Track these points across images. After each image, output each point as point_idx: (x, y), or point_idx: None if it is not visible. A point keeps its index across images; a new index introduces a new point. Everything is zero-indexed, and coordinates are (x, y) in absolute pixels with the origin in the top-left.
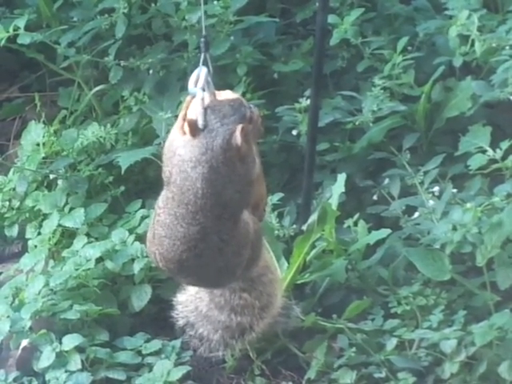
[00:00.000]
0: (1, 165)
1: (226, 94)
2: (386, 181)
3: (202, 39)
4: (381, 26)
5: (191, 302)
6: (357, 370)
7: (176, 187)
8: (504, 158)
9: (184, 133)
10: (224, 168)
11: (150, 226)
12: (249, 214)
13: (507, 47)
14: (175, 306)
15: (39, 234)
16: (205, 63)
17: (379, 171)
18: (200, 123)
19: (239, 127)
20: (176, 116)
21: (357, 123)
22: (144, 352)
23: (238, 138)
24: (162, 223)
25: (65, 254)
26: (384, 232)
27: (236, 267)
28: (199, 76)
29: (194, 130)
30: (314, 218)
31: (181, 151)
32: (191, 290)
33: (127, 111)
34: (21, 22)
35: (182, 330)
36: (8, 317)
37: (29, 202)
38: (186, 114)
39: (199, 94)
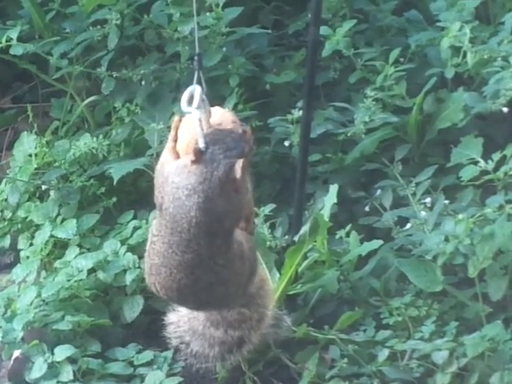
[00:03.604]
0: None
1: (217, 111)
2: (378, 192)
3: (196, 57)
4: (373, 38)
5: (185, 322)
6: (348, 381)
7: (169, 215)
8: (496, 170)
9: (176, 155)
10: (219, 199)
11: (146, 258)
12: (241, 232)
13: (499, 59)
14: (167, 326)
15: (31, 244)
16: (198, 81)
17: (371, 182)
18: (201, 145)
19: (240, 162)
20: (168, 127)
21: (349, 134)
22: (136, 363)
23: (238, 172)
24: (157, 252)
25: (57, 264)
26: (376, 243)
27: (236, 287)
28: (193, 95)
29: (199, 156)
30: (305, 228)
31: (175, 178)
32: (183, 309)
33: (119, 122)
34: (13, 33)
35: (176, 349)
36: (0, 327)
37: (21, 213)
38: (175, 135)
39: (195, 114)
